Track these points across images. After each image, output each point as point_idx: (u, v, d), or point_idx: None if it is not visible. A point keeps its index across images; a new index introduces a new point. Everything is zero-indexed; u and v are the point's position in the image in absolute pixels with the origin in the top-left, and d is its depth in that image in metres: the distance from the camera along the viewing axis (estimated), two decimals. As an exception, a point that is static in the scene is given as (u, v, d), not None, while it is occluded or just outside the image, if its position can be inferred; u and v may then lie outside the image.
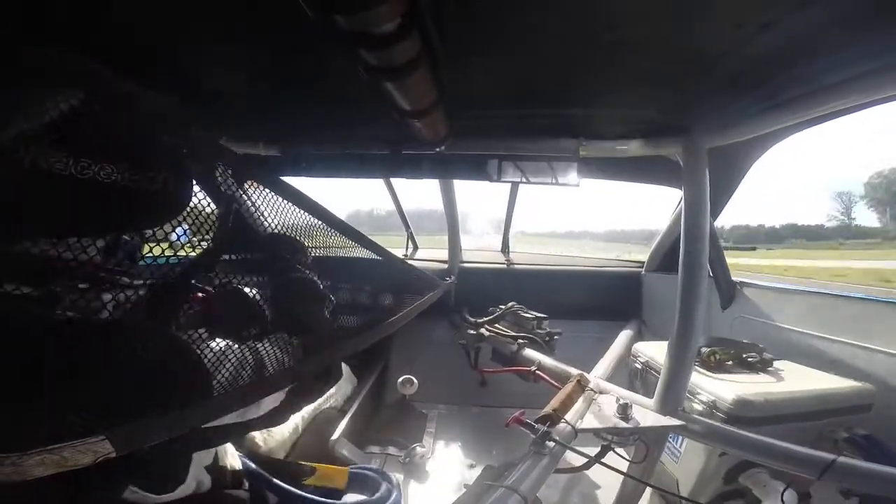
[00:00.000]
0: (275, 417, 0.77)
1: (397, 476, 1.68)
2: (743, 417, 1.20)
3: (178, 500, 0.66)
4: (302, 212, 0.76)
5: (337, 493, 1.20)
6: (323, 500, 1.09)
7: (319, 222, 0.80)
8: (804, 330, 1.70)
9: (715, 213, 2.06)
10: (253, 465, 0.98)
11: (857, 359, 1.49)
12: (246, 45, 0.99)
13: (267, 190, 0.70)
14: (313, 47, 0.97)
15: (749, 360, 1.50)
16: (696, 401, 1.32)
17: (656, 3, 0.80)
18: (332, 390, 1.44)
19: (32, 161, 0.44)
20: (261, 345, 0.76)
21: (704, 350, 1.48)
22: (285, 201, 0.74)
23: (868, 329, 1.50)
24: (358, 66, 0.86)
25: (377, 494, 1.21)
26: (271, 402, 0.77)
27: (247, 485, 0.93)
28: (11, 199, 0.44)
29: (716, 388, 1.31)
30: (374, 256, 1.09)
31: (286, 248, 0.81)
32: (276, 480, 0.99)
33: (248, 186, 0.72)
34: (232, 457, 0.97)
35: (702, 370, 1.43)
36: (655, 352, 1.64)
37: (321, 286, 0.86)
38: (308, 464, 1.19)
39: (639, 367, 1.69)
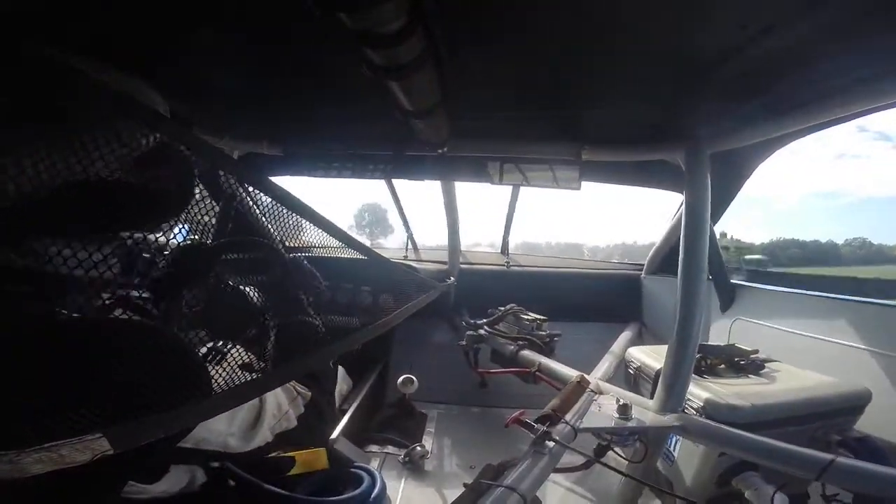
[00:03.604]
0: None
1: (397, 475, 1.69)
2: (734, 424, 1.18)
3: (173, 494, 0.66)
4: (291, 213, 0.76)
5: (327, 481, 1.22)
6: (305, 497, 1.09)
7: (310, 224, 0.80)
8: (803, 332, 1.70)
9: (715, 218, 2.06)
10: (233, 467, 0.97)
11: (856, 360, 1.49)
12: (250, 45, 0.99)
13: (258, 192, 0.70)
14: (318, 46, 0.97)
15: (741, 363, 1.49)
16: (686, 407, 1.30)
17: (659, 8, 0.80)
18: (300, 400, 1.45)
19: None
20: (255, 344, 0.76)
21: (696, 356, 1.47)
22: (276, 203, 0.74)
23: (866, 331, 1.50)
24: (362, 65, 0.86)
25: (361, 488, 1.24)
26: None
27: (231, 483, 0.92)
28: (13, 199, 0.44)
29: (706, 393, 1.29)
30: (367, 261, 1.09)
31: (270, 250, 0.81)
32: (258, 481, 0.97)
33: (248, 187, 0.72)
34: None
35: (693, 375, 1.40)
36: (648, 357, 1.63)
37: (303, 288, 0.86)
38: (286, 455, 1.19)
39: (632, 371, 1.69)
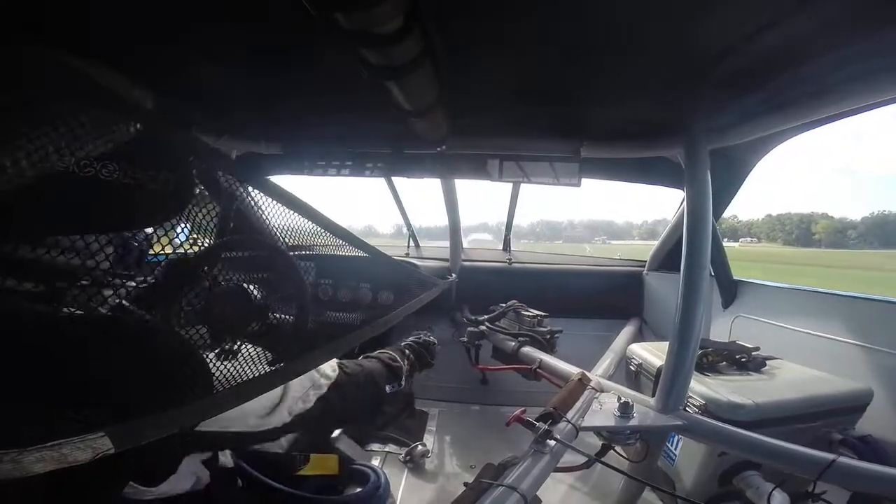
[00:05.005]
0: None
1: (398, 473, 1.69)
2: (736, 422, 1.18)
3: (177, 495, 0.66)
4: (293, 213, 0.76)
5: (332, 480, 1.23)
6: (315, 496, 1.10)
7: (311, 224, 0.80)
8: (805, 329, 1.69)
9: (717, 214, 2.05)
10: (244, 464, 0.98)
11: (858, 358, 1.49)
12: (247, 44, 0.99)
13: (259, 192, 0.70)
14: (315, 45, 0.96)
15: (742, 360, 1.49)
16: (688, 404, 1.30)
17: (658, 5, 0.79)
18: (323, 382, 1.47)
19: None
20: (257, 342, 0.77)
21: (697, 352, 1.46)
22: (277, 203, 0.74)
23: (868, 329, 1.49)
24: (359, 65, 0.86)
25: (368, 484, 1.25)
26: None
27: (240, 482, 0.93)
28: (12, 198, 0.44)
29: (708, 391, 1.29)
30: (369, 259, 1.09)
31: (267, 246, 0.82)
32: (266, 479, 0.98)
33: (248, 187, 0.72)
34: (223, 453, 0.97)
35: (694, 372, 1.39)
36: (649, 354, 1.63)
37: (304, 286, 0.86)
38: (301, 453, 1.20)
39: (633, 368, 1.69)
